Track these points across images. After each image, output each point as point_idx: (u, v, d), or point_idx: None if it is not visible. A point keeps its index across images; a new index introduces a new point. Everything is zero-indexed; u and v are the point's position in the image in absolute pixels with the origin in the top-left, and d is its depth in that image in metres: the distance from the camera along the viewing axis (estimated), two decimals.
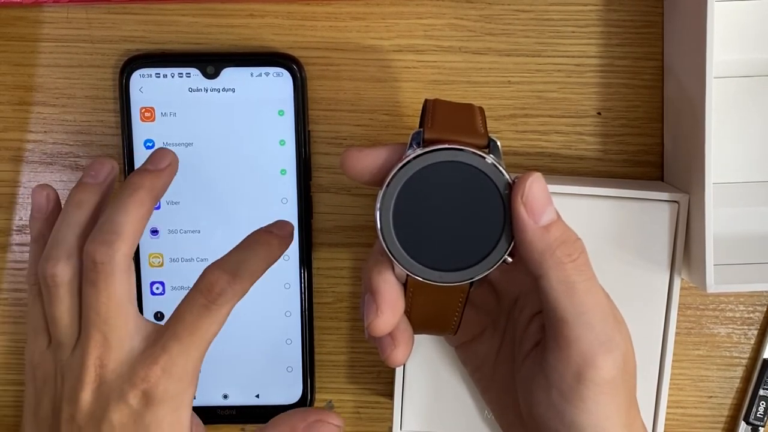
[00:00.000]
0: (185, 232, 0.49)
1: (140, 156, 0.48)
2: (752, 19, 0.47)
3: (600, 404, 0.36)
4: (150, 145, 0.48)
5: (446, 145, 0.36)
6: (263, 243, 0.41)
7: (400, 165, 0.36)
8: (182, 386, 0.38)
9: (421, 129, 0.37)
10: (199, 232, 0.49)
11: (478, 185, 0.36)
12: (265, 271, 0.41)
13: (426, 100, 0.38)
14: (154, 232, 0.49)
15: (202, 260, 0.49)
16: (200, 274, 0.40)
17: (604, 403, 0.37)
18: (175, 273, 0.49)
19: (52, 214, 0.43)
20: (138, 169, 0.43)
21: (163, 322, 0.40)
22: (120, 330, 0.39)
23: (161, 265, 0.49)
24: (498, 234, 0.36)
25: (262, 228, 0.41)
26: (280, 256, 0.41)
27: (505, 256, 0.37)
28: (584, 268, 0.37)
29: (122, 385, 0.38)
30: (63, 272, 0.39)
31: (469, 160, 0.36)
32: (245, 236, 0.41)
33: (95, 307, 0.39)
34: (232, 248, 0.41)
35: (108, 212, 0.40)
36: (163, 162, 0.43)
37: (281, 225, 0.42)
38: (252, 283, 0.40)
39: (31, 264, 0.42)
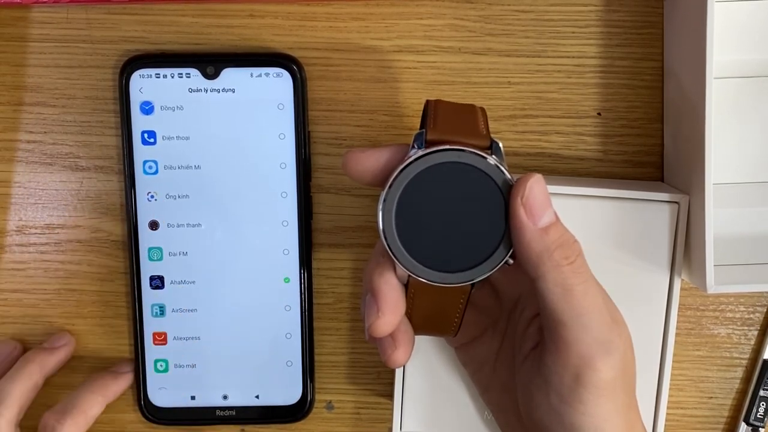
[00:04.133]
0: (184, 225, 0.49)
1: (140, 158, 0.48)
2: (752, 20, 0.47)
3: (599, 406, 0.36)
4: (152, 141, 0.48)
5: (448, 146, 0.36)
6: (96, 379, 0.49)
7: (403, 166, 0.36)
8: None
9: (424, 130, 0.37)
10: (200, 225, 0.49)
11: (480, 186, 0.36)
12: (103, 404, 0.48)
13: (428, 101, 0.38)
14: (154, 226, 0.49)
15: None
16: None
17: (603, 405, 0.36)
18: (174, 267, 0.49)
19: None
20: (36, 347, 0.50)
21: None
22: None
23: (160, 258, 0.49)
24: (500, 235, 0.36)
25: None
26: (119, 391, 0.50)
27: (507, 258, 0.37)
28: (581, 270, 0.37)
29: None
30: None
31: (472, 161, 0.36)
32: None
33: None
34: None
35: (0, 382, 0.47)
36: (59, 342, 0.50)
37: (119, 364, 0.50)
38: (85, 417, 0.47)
39: None
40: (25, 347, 0.51)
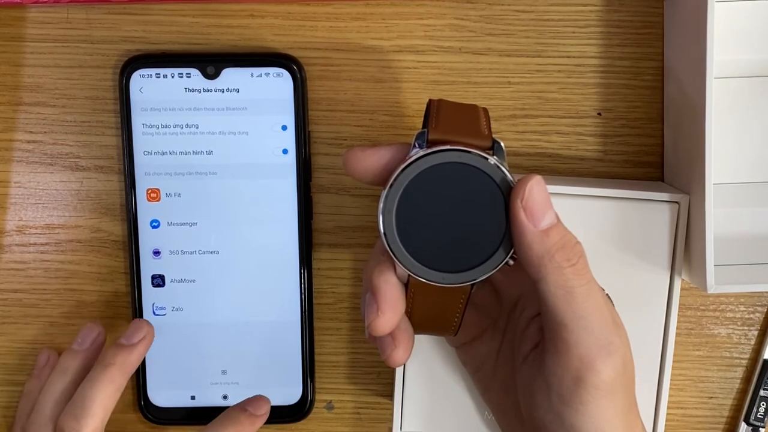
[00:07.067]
0: (183, 224, 0.49)
1: (140, 161, 0.48)
2: (752, 19, 0.47)
3: (599, 407, 0.36)
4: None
5: (450, 146, 0.36)
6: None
7: (404, 165, 0.36)
8: None
9: (425, 129, 0.37)
10: (199, 225, 0.49)
11: (481, 187, 0.36)
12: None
13: (430, 100, 0.38)
14: (155, 225, 0.49)
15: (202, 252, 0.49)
16: None
17: (604, 406, 0.36)
18: (174, 266, 0.50)
19: (44, 372, 0.49)
20: (114, 343, 0.47)
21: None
22: None
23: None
24: (501, 236, 0.36)
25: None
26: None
27: (508, 259, 0.37)
28: (583, 272, 0.37)
29: None
30: None
31: (473, 161, 0.36)
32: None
33: None
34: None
35: (81, 387, 0.45)
36: (137, 336, 0.47)
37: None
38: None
39: (18, 419, 0.49)
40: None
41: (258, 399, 0.48)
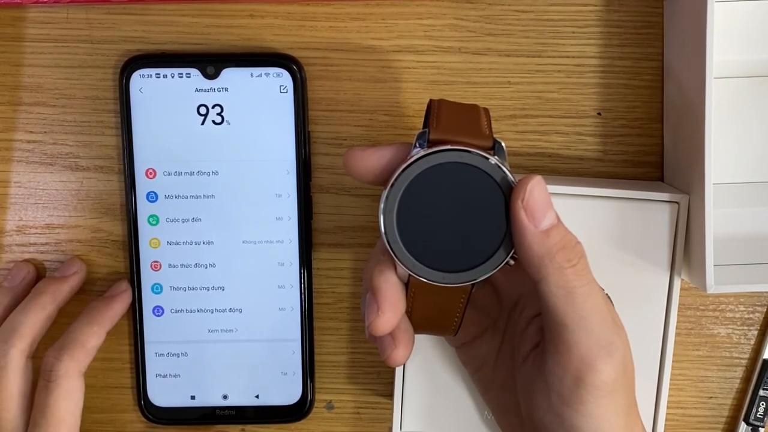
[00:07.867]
0: (184, 220, 0.49)
1: (141, 160, 0.48)
2: (752, 19, 0.47)
3: (600, 408, 0.36)
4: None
5: (451, 146, 0.36)
6: (89, 309, 0.48)
7: (405, 165, 0.36)
8: None
9: (426, 129, 0.37)
10: (199, 225, 0.49)
11: (482, 187, 0.36)
12: (100, 334, 0.47)
13: (431, 100, 0.38)
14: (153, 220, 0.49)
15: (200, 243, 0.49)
16: None
17: (604, 406, 0.36)
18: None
19: None
20: (47, 276, 0.50)
21: None
22: (7, 422, 0.45)
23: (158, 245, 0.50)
24: (501, 236, 0.36)
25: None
26: (115, 316, 0.48)
27: (508, 259, 0.37)
28: (584, 272, 0.37)
29: None
30: None
31: (474, 161, 0.36)
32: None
33: None
34: None
35: (12, 314, 0.47)
36: (70, 270, 0.50)
37: (113, 287, 0.49)
38: (84, 350, 0.46)
39: None
40: (39, 276, 0.51)
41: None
